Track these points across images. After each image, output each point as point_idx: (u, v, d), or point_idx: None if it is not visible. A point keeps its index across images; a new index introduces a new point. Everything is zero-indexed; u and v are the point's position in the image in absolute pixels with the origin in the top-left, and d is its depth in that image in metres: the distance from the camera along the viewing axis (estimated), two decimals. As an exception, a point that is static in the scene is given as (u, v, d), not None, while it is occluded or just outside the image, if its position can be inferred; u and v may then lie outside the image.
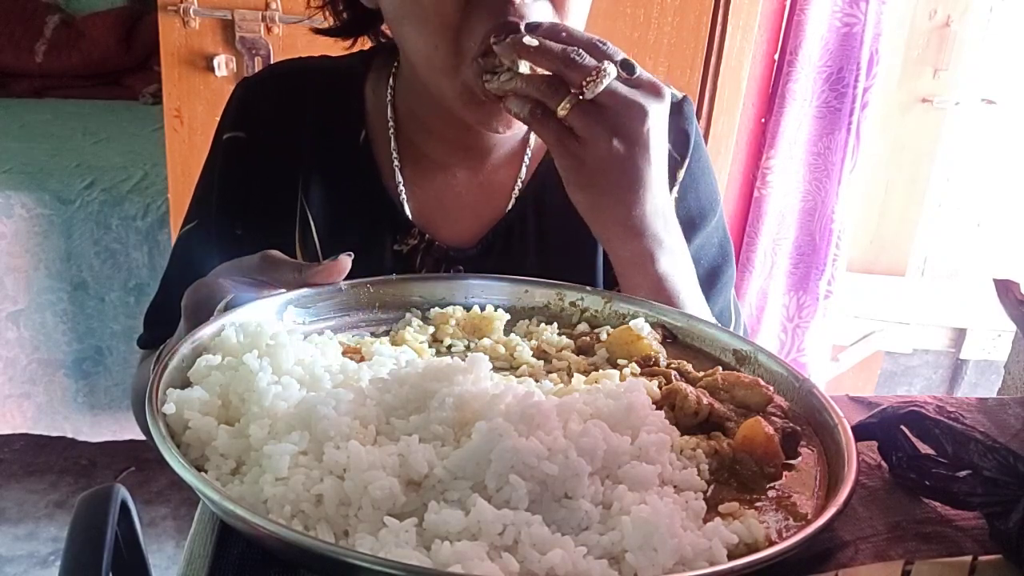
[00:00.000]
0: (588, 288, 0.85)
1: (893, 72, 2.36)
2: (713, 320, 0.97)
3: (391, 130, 1.06)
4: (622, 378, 0.72)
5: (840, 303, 2.41)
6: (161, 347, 0.75)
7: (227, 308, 0.71)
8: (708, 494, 0.61)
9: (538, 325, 0.82)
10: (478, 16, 0.87)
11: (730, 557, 0.54)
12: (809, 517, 0.59)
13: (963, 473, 0.63)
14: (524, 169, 1.07)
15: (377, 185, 1.06)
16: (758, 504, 0.61)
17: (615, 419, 0.62)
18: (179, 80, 1.96)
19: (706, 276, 1.06)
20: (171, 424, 0.60)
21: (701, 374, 0.73)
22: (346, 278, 0.78)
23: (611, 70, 0.82)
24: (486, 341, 0.78)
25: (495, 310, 0.81)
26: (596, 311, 0.84)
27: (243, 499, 0.55)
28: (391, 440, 0.59)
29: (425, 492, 0.56)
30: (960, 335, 2.64)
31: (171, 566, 2.33)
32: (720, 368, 0.74)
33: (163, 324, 1.05)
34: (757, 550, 0.55)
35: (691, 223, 1.06)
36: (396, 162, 1.06)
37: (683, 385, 0.70)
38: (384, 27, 1.09)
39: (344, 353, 0.72)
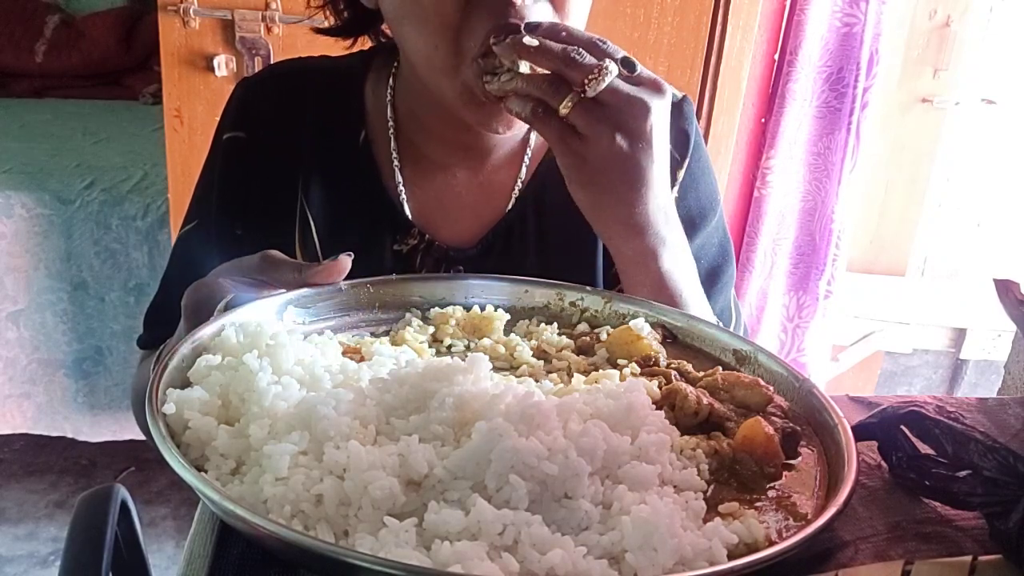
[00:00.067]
0: (588, 288, 0.85)
1: (893, 72, 2.36)
2: (714, 320, 0.97)
3: (391, 130, 1.06)
4: (622, 378, 0.72)
5: (840, 303, 2.41)
6: (161, 347, 0.75)
7: (227, 308, 0.71)
8: (708, 494, 0.61)
9: (538, 325, 0.82)
10: (478, 16, 0.87)
11: (730, 557, 0.54)
12: (809, 517, 0.59)
13: (963, 473, 0.63)
14: (524, 169, 1.07)
15: (377, 185, 1.06)
16: (758, 504, 0.61)
17: (615, 419, 0.62)
18: (179, 80, 1.96)
19: (706, 276, 1.06)
20: (171, 424, 0.60)
21: (701, 374, 0.73)
22: (346, 278, 0.78)
23: (612, 68, 0.82)
24: (486, 341, 0.78)
25: (495, 310, 0.81)
26: (596, 311, 0.84)
27: (243, 499, 0.55)
28: (391, 440, 0.59)
29: (425, 492, 0.56)
30: (960, 335, 2.65)
31: (171, 566, 2.33)
32: (720, 368, 0.74)
33: (163, 324, 1.05)
34: (757, 550, 0.55)
35: (691, 223, 1.06)
36: (396, 162, 1.06)
37: (683, 385, 0.70)
38: (384, 27, 1.09)
39: (344, 353, 0.72)
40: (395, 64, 1.08)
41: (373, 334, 0.79)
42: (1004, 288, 0.79)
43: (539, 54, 0.82)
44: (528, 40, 0.82)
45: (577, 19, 0.93)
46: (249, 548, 0.60)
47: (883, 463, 0.69)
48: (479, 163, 1.07)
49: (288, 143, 1.05)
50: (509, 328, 0.81)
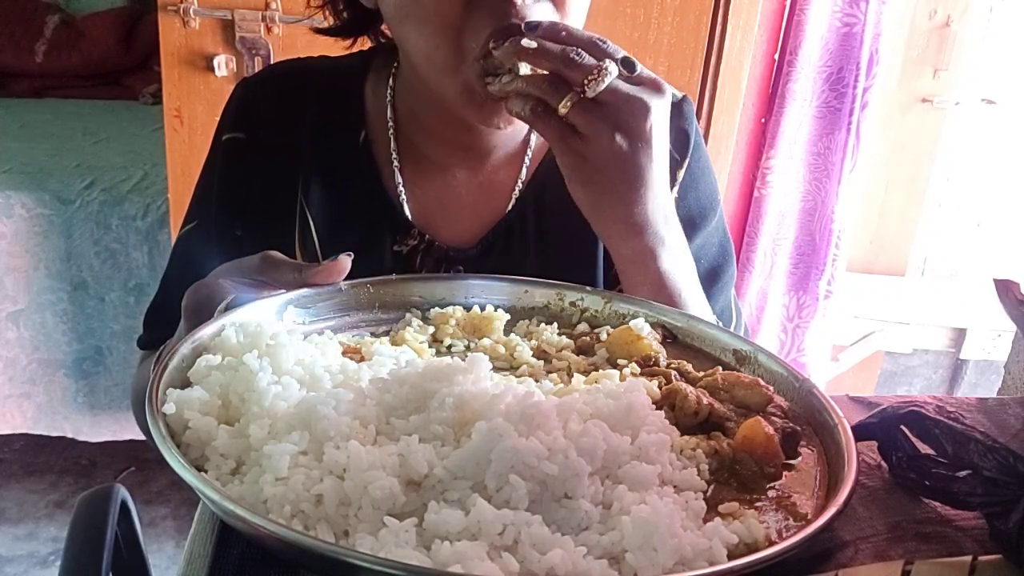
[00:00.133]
0: (588, 288, 0.85)
1: (893, 72, 2.36)
2: (714, 319, 0.97)
3: (391, 130, 1.06)
4: (622, 378, 0.72)
5: (840, 303, 2.41)
6: (161, 347, 0.75)
7: (227, 308, 0.71)
8: (708, 494, 0.61)
9: (538, 325, 0.82)
10: (479, 15, 0.87)
11: (730, 557, 0.54)
12: (809, 517, 0.59)
13: (963, 473, 0.63)
14: (524, 169, 1.07)
15: (377, 185, 1.06)
16: (758, 504, 0.61)
17: (615, 419, 0.62)
18: (179, 80, 1.96)
19: (707, 276, 1.06)
20: (171, 424, 0.60)
21: (701, 374, 0.73)
22: (346, 278, 0.78)
23: (612, 68, 0.82)
24: (486, 341, 0.78)
25: (495, 310, 0.81)
26: (596, 311, 0.84)
27: (243, 499, 0.55)
28: (391, 440, 0.59)
29: (425, 492, 0.56)
30: (960, 335, 2.65)
31: (171, 566, 2.33)
32: (720, 368, 0.74)
33: (163, 324, 1.05)
34: (757, 550, 0.55)
35: (691, 223, 1.06)
36: (396, 162, 1.06)
37: (683, 385, 0.70)
38: (384, 27, 1.09)
39: (344, 353, 0.72)
40: (395, 64, 1.08)
41: (373, 334, 0.79)
42: (1004, 288, 0.79)
43: (539, 56, 0.82)
44: (527, 42, 0.82)
45: (577, 18, 0.93)
46: (249, 548, 0.60)
47: (883, 463, 0.69)
48: (479, 163, 1.07)
49: (288, 143, 1.05)
50: (509, 328, 0.81)
